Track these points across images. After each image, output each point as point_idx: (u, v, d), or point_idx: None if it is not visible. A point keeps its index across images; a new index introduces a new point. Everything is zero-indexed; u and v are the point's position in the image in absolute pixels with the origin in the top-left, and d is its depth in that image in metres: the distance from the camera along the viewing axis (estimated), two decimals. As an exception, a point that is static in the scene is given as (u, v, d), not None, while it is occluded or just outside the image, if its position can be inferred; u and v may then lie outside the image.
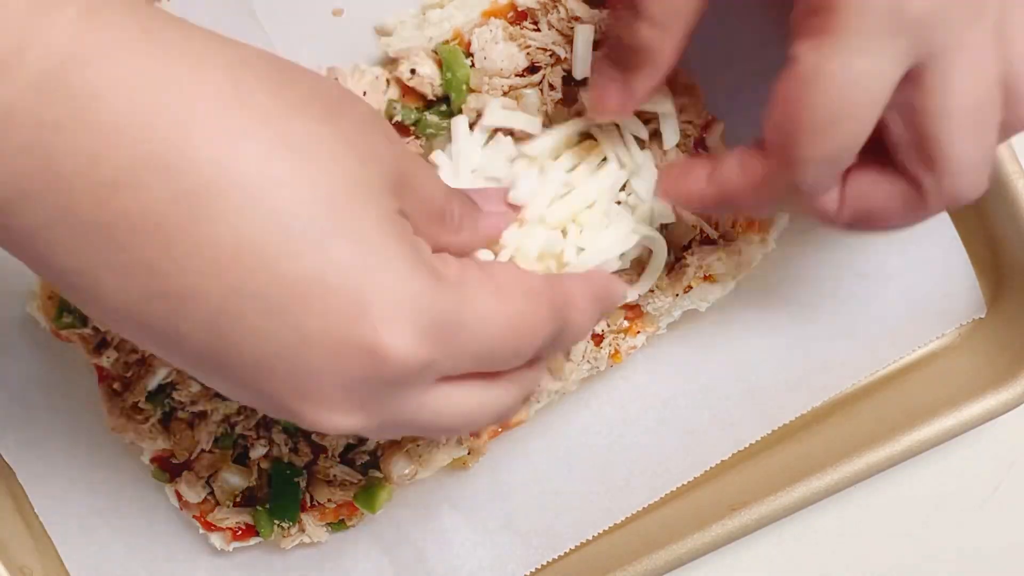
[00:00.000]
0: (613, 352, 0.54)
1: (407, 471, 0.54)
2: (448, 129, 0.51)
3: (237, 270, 0.30)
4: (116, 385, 0.53)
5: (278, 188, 0.30)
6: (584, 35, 0.51)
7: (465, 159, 0.49)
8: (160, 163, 0.30)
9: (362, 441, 0.54)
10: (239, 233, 0.30)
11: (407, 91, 0.52)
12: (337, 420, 0.33)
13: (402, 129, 0.52)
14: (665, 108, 0.51)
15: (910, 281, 0.56)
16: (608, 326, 0.53)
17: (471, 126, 0.50)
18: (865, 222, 0.43)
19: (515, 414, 0.40)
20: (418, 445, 0.54)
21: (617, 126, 0.50)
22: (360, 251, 0.32)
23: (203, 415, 0.53)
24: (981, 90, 0.38)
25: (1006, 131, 0.40)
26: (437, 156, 0.49)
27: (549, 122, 0.51)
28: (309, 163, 0.31)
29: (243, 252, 0.30)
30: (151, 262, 0.30)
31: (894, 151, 0.40)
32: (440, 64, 0.51)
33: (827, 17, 0.36)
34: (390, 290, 0.32)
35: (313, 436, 0.54)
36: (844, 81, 0.36)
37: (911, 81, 0.37)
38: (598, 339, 0.53)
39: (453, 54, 0.51)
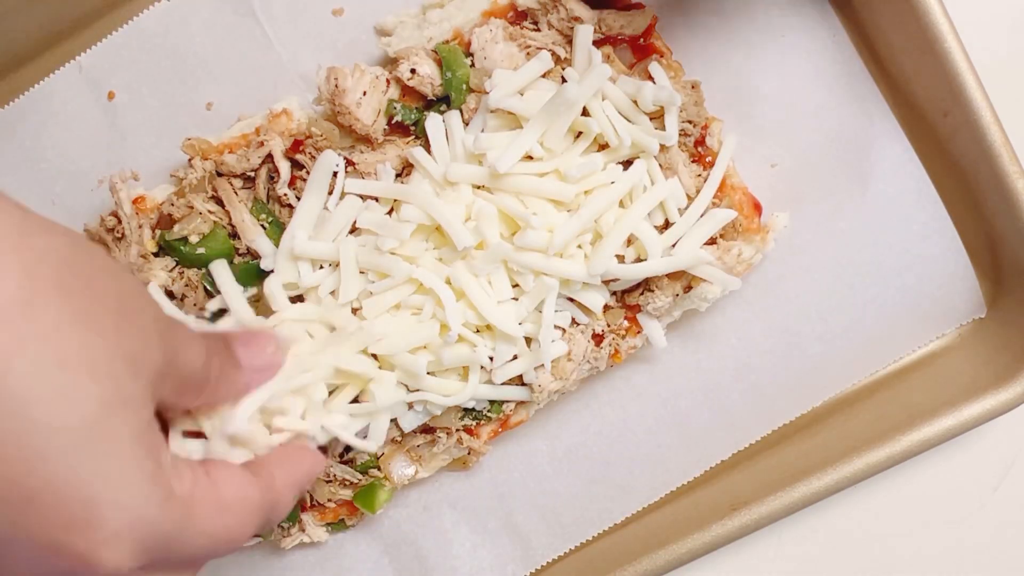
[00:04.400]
0: (613, 352, 0.54)
1: (407, 471, 0.55)
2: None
3: None
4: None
5: (41, 404, 0.32)
6: (584, 35, 0.51)
7: None
8: None
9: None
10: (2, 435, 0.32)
11: (407, 91, 0.52)
12: None
13: (402, 129, 0.52)
14: (673, 102, 0.51)
15: (910, 281, 0.56)
16: (608, 326, 0.53)
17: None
18: None
19: None
20: (418, 446, 0.54)
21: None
22: (102, 470, 0.34)
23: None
24: None
25: None
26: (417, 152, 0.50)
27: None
28: (76, 382, 0.33)
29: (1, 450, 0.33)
30: None
31: None
32: (440, 63, 0.52)
33: None
34: (122, 509, 0.34)
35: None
36: None
37: None
38: (598, 339, 0.53)
39: (453, 54, 0.51)
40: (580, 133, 0.51)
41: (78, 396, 0.33)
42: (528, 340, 0.52)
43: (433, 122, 0.51)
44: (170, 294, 0.52)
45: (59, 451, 0.33)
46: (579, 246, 0.51)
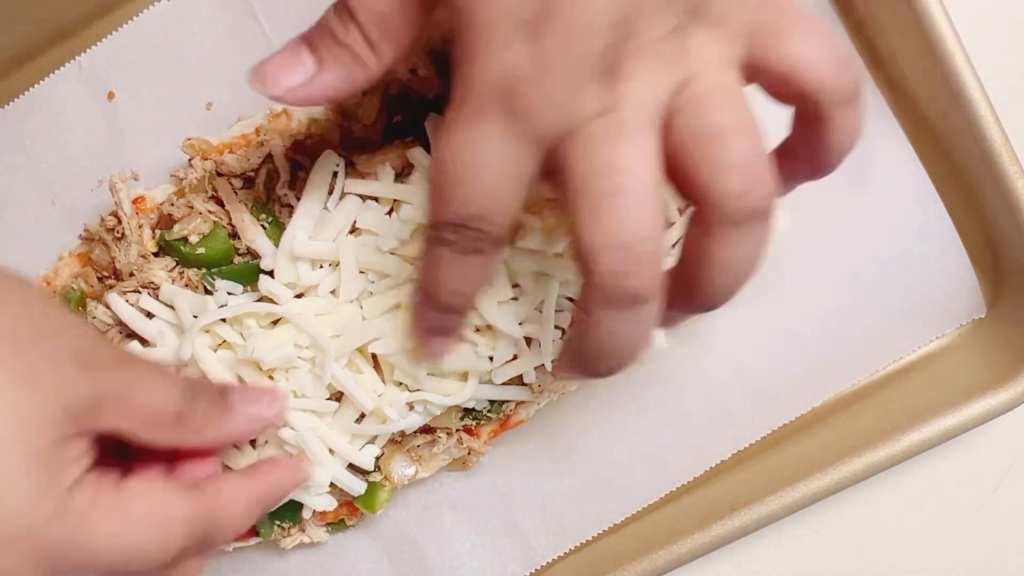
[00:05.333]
0: (613, 352, 0.54)
1: (407, 471, 0.55)
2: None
3: None
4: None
5: None
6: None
7: None
8: None
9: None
10: None
11: (407, 91, 0.52)
12: None
13: (403, 129, 0.52)
14: None
15: (910, 281, 0.56)
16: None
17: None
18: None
19: None
20: (418, 446, 0.54)
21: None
22: None
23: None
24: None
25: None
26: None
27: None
28: None
29: None
30: None
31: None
32: (439, 62, 0.51)
33: (454, 89, 0.38)
34: (11, 524, 0.35)
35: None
36: (453, 149, 0.37)
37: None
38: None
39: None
40: None
41: None
42: (528, 340, 0.52)
43: (433, 122, 0.51)
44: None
45: None
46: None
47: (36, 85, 0.56)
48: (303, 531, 0.55)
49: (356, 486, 0.52)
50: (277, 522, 0.54)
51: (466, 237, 0.39)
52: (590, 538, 0.57)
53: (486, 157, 0.37)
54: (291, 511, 0.54)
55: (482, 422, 0.54)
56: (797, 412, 0.57)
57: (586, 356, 0.39)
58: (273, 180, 0.52)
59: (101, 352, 0.39)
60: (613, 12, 0.35)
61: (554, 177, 0.37)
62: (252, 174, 0.52)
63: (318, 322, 0.49)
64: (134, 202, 0.53)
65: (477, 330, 0.51)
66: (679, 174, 0.37)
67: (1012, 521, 0.61)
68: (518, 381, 0.53)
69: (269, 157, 0.52)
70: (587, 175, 0.36)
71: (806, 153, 0.41)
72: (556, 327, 0.52)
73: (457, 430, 0.54)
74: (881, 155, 0.56)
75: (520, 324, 0.51)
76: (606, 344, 0.38)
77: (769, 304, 0.57)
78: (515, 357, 0.52)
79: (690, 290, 0.39)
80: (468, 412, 0.53)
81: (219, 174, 0.52)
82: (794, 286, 0.57)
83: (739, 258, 0.38)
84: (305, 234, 0.50)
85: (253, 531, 0.55)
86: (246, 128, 0.53)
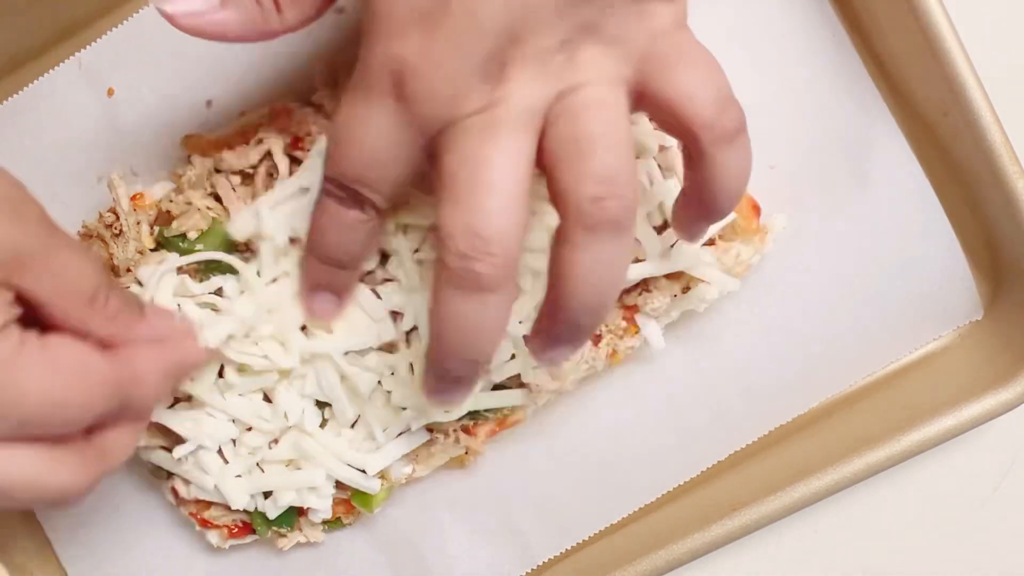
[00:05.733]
0: (611, 352, 0.54)
1: (404, 470, 0.54)
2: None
3: None
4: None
5: None
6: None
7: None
8: None
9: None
10: None
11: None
12: None
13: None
14: None
15: (909, 281, 0.56)
16: (606, 326, 0.53)
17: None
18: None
19: (77, 495, 0.41)
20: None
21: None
22: None
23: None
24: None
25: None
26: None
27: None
28: None
29: None
30: None
31: None
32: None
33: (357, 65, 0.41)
34: None
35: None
36: (345, 118, 0.41)
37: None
38: (596, 339, 0.53)
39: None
40: None
41: None
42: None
43: None
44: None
45: None
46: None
47: (35, 82, 0.56)
48: (300, 530, 0.55)
49: (371, 485, 0.53)
50: (275, 528, 0.54)
51: (348, 194, 0.43)
52: (588, 538, 0.57)
53: (370, 131, 0.40)
54: (289, 517, 0.54)
55: (480, 422, 0.54)
56: (796, 412, 0.57)
57: (438, 342, 0.41)
58: (272, 177, 0.52)
59: (30, 208, 0.39)
60: (503, 18, 0.37)
61: (432, 164, 0.40)
62: (251, 171, 0.52)
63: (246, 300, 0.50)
64: (132, 199, 0.53)
65: None
66: (549, 180, 0.39)
67: (1012, 521, 0.60)
68: (517, 381, 0.53)
69: (268, 154, 0.52)
70: (455, 164, 0.38)
71: (696, 194, 0.43)
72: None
73: (455, 430, 0.54)
74: (881, 155, 0.56)
75: (520, 323, 0.51)
76: (450, 328, 0.40)
77: (768, 304, 0.57)
78: (513, 356, 0.52)
79: (555, 310, 0.41)
80: (466, 412, 0.53)
81: (218, 171, 0.52)
82: (793, 287, 0.56)
83: (597, 269, 0.39)
84: (267, 209, 0.50)
85: (250, 528, 0.55)
86: (245, 125, 0.53)
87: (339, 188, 0.43)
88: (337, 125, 0.42)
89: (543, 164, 0.39)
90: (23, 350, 0.38)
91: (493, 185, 0.38)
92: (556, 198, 0.39)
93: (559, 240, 0.40)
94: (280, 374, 0.51)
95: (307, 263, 0.48)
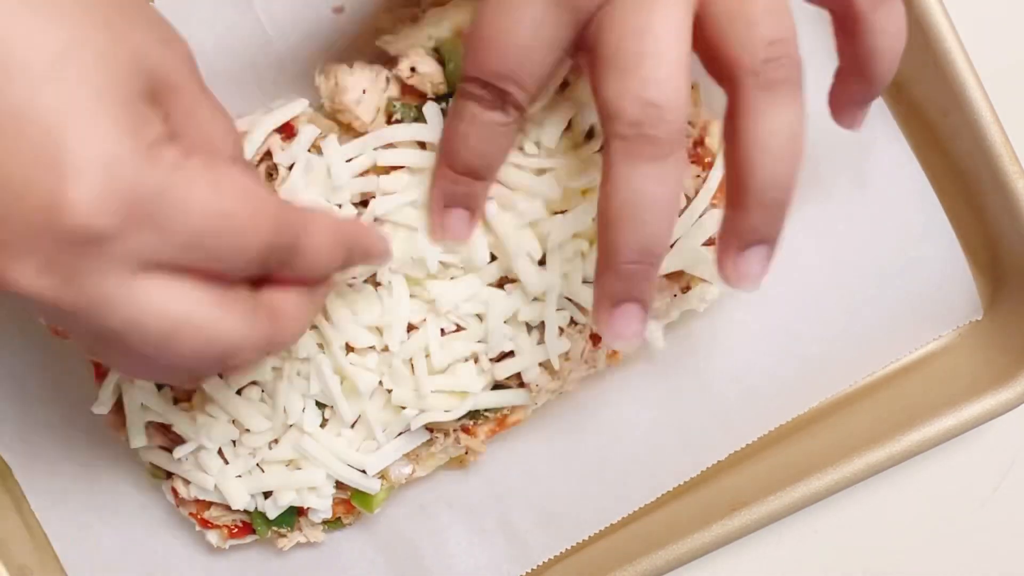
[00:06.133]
0: (611, 352, 0.54)
1: (404, 470, 0.54)
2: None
3: None
4: (113, 382, 0.53)
5: (12, 37, 0.31)
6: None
7: None
8: None
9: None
10: None
11: (407, 89, 0.52)
12: (18, 275, 0.32)
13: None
14: None
15: (909, 282, 0.56)
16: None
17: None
18: None
19: (244, 354, 0.37)
20: (416, 445, 0.54)
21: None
22: (73, 100, 0.32)
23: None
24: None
25: None
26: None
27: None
28: (52, 22, 0.32)
29: None
30: None
31: None
32: (441, 62, 0.52)
33: None
34: (91, 146, 0.31)
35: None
36: (493, 10, 0.41)
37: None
38: (596, 339, 0.53)
39: (453, 47, 0.51)
40: (570, 123, 0.51)
41: (57, 33, 0.32)
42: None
43: (431, 110, 0.50)
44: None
45: (25, 83, 0.31)
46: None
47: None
48: (300, 530, 0.55)
49: (371, 485, 0.53)
50: (275, 528, 0.54)
51: (492, 94, 0.42)
52: (587, 538, 0.57)
53: (523, 21, 0.39)
54: (289, 517, 0.54)
55: (480, 422, 0.54)
56: (796, 412, 0.57)
57: (612, 224, 0.39)
58: (271, 177, 0.52)
59: (177, 42, 0.38)
60: None
61: (586, 53, 0.40)
62: (251, 171, 0.52)
63: None
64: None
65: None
66: (711, 55, 0.39)
67: (1012, 521, 0.60)
68: (516, 382, 0.53)
69: (268, 154, 0.52)
70: (617, 39, 0.38)
71: (854, 68, 0.42)
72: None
73: (455, 430, 0.54)
74: (880, 155, 0.56)
75: (521, 321, 0.51)
76: (630, 203, 0.38)
77: (768, 304, 0.57)
78: (513, 354, 0.52)
79: (742, 194, 0.40)
80: (466, 412, 0.53)
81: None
82: (793, 286, 0.56)
83: (779, 132, 0.38)
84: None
85: (249, 528, 0.55)
86: (244, 126, 0.53)
87: (482, 88, 0.42)
88: (483, 18, 0.41)
89: (703, 39, 0.39)
90: (190, 161, 0.34)
91: (660, 54, 0.37)
92: (726, 69, 0.39)
93: (734, 116, 0.39)
94: (273, 371, 0.51)
95: (439, 176, 0.46)
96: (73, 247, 0.32)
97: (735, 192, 0.40)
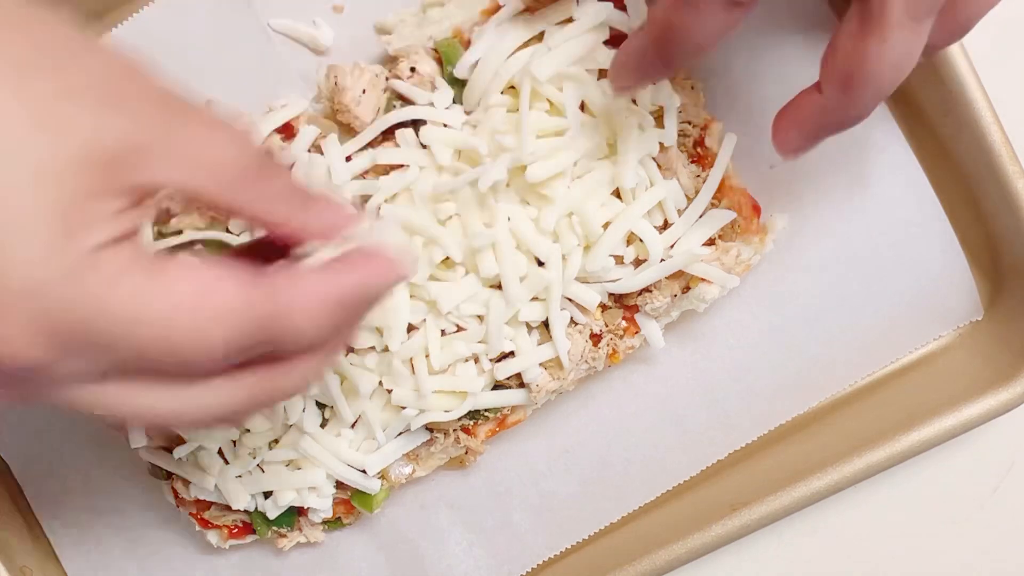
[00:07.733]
0: (611, 352, 0.54)
1: (404, 470, 0.54)
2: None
3: None
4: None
5: None
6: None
7: None
8: None
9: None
10: None
11: (406, 90, 0.52)
12: None
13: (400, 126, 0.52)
14: (672, 103, 0.51)
15: (909, 282, 0.56)
16: (606, 326, 0.53)
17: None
18: None
19: (238, 419, 0.36)
20: (416, 445, 0.54)
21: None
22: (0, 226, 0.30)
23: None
24: None
25: None
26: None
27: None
28: None
29: None
30: None
31: None
32: (440, 62, 0.52)
33: None
34: (16, 277, 0.30)
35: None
36: None
37: None
38: (596, 339, 0.53)
39: (453, 47, 0.51)
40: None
41: None
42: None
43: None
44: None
45: None
46: (578, 243, 0.51)
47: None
48: (300, 530, 0.55)
49: (371, 485, 0.53)
50: (275, 528, 0.54)
51: None
52: (587, 538, 0.57)
53: None
54: (289, 517, 0.54)
55: (479, 422, 0.54)
56: (796, 412, 0.57)
57: (865, 82, 0.41)
58: (272, 177, 0.52)
59: (139, 85, 0.33)
60: None
61: None
62: (251, 171, 0.52)
63: None
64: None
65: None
66: None
67: (1012, 521, 0.60)
68: (516, 382, 0.53)
69: (268, 154, 0.52)
70: None
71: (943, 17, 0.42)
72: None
73: (455, 430, 0.54)
74: (880, 155, 0.56)
75: (521, 320, 0.51)
76: (895, 63, 0.40)
77: (768, 304, 0.57)
78: (513, 355, 0.52)
79: (839, 97, 0.42)
80: (466, 412, 0.53)
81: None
82: (792, 287, 0.56)
83: (905, 54, 0.41)
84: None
85: (249, 528, 0.55)
86: (244, 124, 0.53)
87: None
88: None
89: None
90: (128, 273, 0.31)
91: None
92: None
93: (867, 16, 0.40)
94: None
95: (650, 48, 0.43)
96: (15, 375, 0.31)
97: (837, 94, 0.42)
